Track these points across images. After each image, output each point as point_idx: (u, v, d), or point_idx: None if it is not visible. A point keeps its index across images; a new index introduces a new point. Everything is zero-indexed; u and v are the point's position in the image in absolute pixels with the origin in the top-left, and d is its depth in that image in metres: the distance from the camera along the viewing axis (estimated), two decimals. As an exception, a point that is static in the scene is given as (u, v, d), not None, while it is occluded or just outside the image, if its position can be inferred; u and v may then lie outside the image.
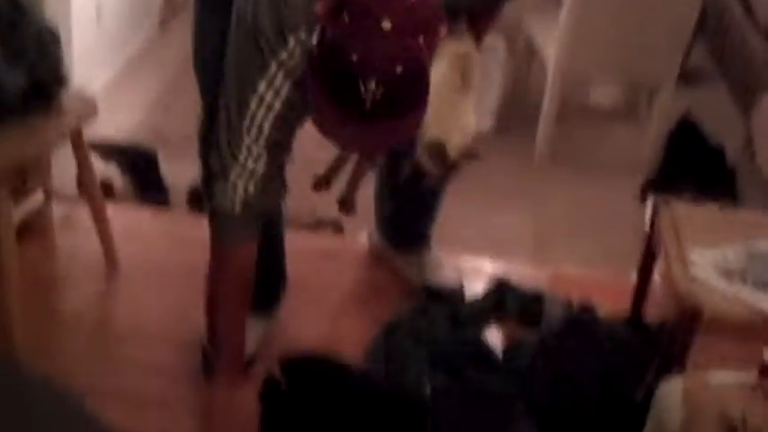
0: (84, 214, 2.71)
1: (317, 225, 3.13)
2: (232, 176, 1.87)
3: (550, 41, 3.90)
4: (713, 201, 2.46)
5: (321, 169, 2.34)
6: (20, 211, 2.58)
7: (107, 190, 3.02)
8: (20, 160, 2.32)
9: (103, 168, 3.20)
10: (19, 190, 2.63)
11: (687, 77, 4.13)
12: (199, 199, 3.31)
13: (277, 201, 2.01)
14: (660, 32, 3.76)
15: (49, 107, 2.40)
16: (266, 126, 1.84)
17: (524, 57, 4.30)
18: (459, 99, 2.04)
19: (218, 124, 1.91)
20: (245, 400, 2.00)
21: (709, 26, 4.45)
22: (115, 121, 3.62)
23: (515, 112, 4.22)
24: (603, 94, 4.47)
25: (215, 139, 1.91)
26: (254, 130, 1.84)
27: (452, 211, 2.73)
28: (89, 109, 2.51)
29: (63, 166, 2.78)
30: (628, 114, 4.36)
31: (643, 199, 3.50)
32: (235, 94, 1.85)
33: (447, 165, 2.04)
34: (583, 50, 3.83)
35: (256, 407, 2.00)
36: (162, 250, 2.83)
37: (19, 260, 2.32)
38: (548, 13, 3.97)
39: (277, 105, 1.82)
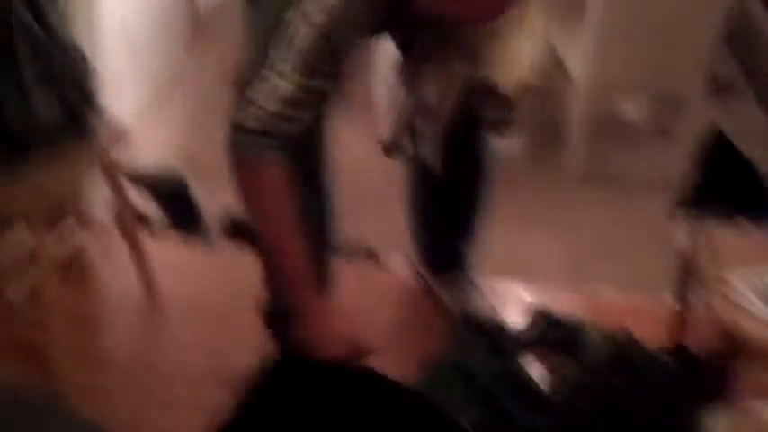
0: (121, 246, 2.71)
1: (351, 252, 3.12)
2: (251, 92, 1.74)
3: (575, 53, 3.88)
4: (748, 218, 2.43)
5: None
6: (57, 244, 2.59)
7: (143, 220, 3.03)
8: (55, 192, 2.31)
9: (138, 198, 3.21)
10: (55, 223, 2.64)
11: (717, 91, 4.10)
12: (234, 228, 3.32)
13: (298, 129, 1.80)
14: (686, 48, 3.75)
15: (82, 136, 2.41)
16: (298, 41, 1.70)
17: (549, 68, 4.28)
18: (510, 33, 1.95)
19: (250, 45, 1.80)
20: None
21: (736, 39, 4.42)
22: (146, 149, 3.63)
23: (543, 131, 4.19)
24: (633, 108, 4.44)
25: (245, 60, 1.80)
26: (283, 44, 1.70)
27: (482, 233, 2.69)
28: (122, 137, 2.50)
29: (99, 197, 2.79)
30: (659, 130, 4.33)
31: (676, 217, 3.48)
32: (273, 5, 1.74)
33: (502, 105, 1.96)
34: (609, 68, 3.81)
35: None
36: (200, 282, 2.83)
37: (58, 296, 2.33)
38: (569, 23, 3.95)
39: (317, 19, 1.69)
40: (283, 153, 1.81)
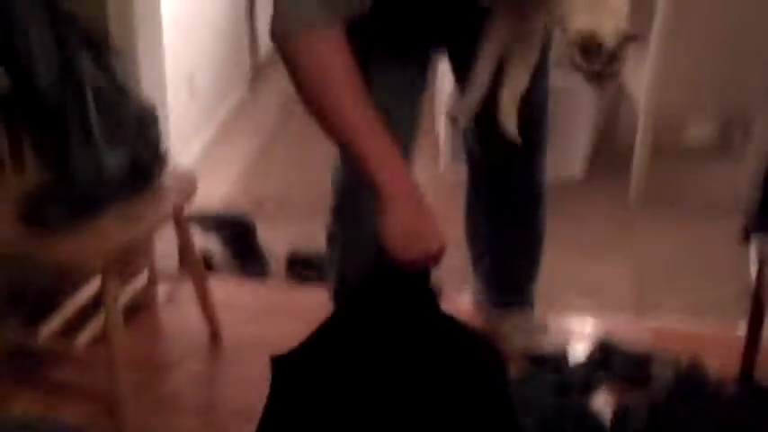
0: (187, 290, 2.75)
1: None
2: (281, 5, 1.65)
3: (639, 81, 3.85)
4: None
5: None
6: (125, 293, 2.63)
7: (207, 262, 3.06)
8: (124, 244, 2.32)
9: (203, 240, 3.25)
10: (123, 271, 2.67)
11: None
12: (298, 265, 3.35)
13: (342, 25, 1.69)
14: (749, 66, 3.70)
15: (150, 187, 2.44)
16: None
17: (613, 96, 4.26)
18: None
19: None
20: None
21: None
22: (210, 190, 3.68)
23: (605, 156, 4.17)
24: (697, 132, 4.39)
25: None
26: None
27: (547, 262, 2.66)
28: (189, 186, 2.52)
29: (164, 242, 2.83)
30: (724, 151, 4.27)
31: (744, 241, 3.41)
32: None
33: (602, 56, 1.86)
34: (673, 89, 3.78)
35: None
36: (264, 323, 2.84)
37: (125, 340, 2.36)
38: (634, 51, 3.93)
39: None
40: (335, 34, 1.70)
